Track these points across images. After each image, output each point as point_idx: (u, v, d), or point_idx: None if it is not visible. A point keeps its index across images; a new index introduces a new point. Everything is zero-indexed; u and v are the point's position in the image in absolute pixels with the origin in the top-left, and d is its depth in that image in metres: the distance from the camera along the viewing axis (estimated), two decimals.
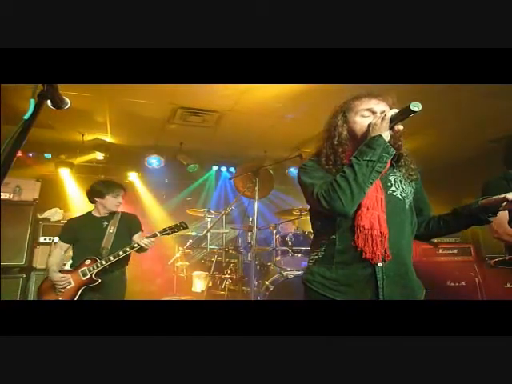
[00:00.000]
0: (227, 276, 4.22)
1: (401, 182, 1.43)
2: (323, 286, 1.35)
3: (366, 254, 1.29)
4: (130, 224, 3.06)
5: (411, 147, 1.52)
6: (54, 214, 4.59)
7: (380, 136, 1.27)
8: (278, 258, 4.01)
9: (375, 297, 1.30)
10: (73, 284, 2.76)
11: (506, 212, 2.30)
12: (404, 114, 1.25)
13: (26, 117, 0.96)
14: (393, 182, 1.41)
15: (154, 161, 5.54)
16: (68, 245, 2.95)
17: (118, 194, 2.98)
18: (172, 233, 2.93)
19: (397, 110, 1.29)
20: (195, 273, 4.76)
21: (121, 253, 2.78)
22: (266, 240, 4.69)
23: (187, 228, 2.99)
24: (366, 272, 1.31)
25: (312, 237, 1.56)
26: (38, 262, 4.22)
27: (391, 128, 1.30)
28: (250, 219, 3.96)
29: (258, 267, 4.01)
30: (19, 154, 0.97)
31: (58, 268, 2.82)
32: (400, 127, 1.31)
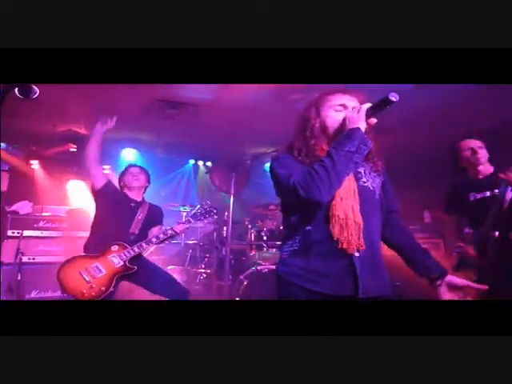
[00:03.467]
0: (202, 270, 4.22)
1: (369, 173, 1.46)
2: (301, 277, 1.34)
3: (342, 244, 1.30)
4: (155, 215, 2.99)
5: (384, 146, 1.55)
6: (23, 207, 4.44)
7: (358, 128, 1.30)
8: (252, 253, 4.04)
9: (354, 287, 1.30)
10: (105, 272, 2.56)
11: None
12: (382, 105, 1.29)
13: None
14: (363, 174, 1.44)
15: (130, 154, 5.45)
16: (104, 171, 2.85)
17: (128, 170, 2.94)
18: (204, 219, 2.91)
19: (370, 104, 1.32)
20: (169, 267, 4.72)
21: (154, 240, 2.70)
22: (241, 235, 4.70)
23: (217, 215, 2.98)
24: (344, 262, 1.31)
25: (284, 230, 1.56)
26: (6, 257, 4.09)
27: (366, 120, 1.33)
28: (226, 213, 3.97)
29: (233, 262, 4.03)
30: None
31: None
32: (374, 120, 1.34)
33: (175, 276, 4.54)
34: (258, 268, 3.58)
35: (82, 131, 5.13)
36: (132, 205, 2.87)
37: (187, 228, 2.83)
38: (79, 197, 5.15)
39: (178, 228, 2.78)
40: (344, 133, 1.33)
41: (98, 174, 2.84)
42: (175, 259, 4.89)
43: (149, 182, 3.05)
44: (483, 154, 2.39)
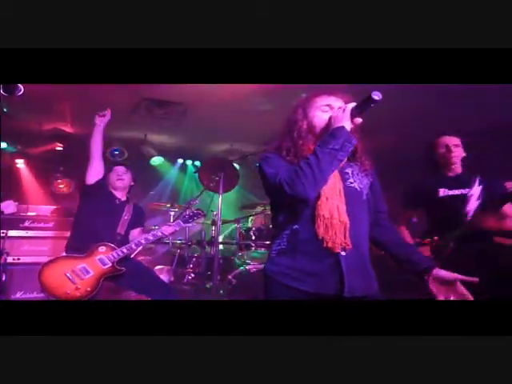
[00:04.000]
0: (190, 270, 4.20)
1: (357, 174, 1.48)
2: (289, 276, 1.35)
3: (327, 243, 1.31)
4: (138, 216, 2.97)
5: (370, 146, 1.56)
6: (8, 207, 4.36)
7: (343, 127, 1.32)
8: (241, 253, 4.04)
9: (340, 286, 1.31)
10: (92, 273, 2.52)
11: None
12: (366, 104, 1.30)
13: None
14: (350, 174, 1.46)
15: (117, 153, 5.39)
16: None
17: (113, 170, 2.91)
18: (192, 221, 2.91)
19: (355, 104, 1.34)
20: (157, 267, 4.69)
21: (143, 241, 2.67)
22: (230, 234, 4.70)
23: (204, 216, 2.99)
24: (330, 261, 1.33)
25: (273, 229, 1.56)
26: None
27: (352, 119, 1.35)
28: (214, 213, 3.96)
29: (221, 261, 4.02)
30: None
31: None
32: (359, 120, 1.36)
33: (162, 276, 4.53)
34: (247, 268, 3.58)
35: (68, 130, 5.07)
36: (117, 203, 2.85)
37: (176, 230, 2.82)
38: (65, 196, 5.10)
39: (167, 230, 2.76)
40: (328, 132, 1.35)
41: (98, 167, 2.79)
42: (163, 259, 4.85)
43: (134, 181, 3.03)
44: (458, 153, 2.34)
